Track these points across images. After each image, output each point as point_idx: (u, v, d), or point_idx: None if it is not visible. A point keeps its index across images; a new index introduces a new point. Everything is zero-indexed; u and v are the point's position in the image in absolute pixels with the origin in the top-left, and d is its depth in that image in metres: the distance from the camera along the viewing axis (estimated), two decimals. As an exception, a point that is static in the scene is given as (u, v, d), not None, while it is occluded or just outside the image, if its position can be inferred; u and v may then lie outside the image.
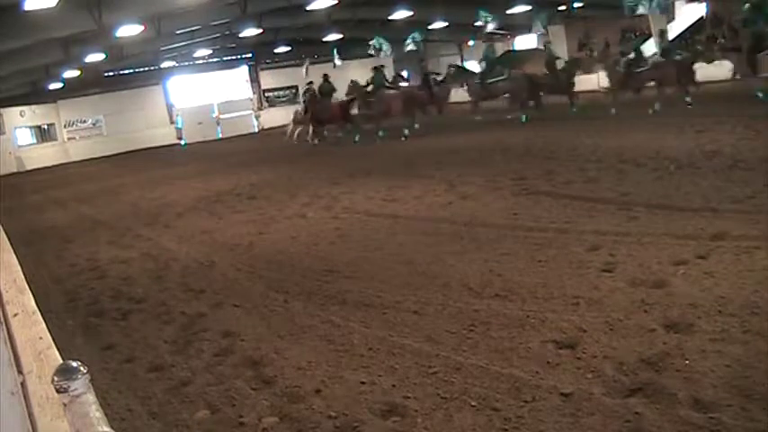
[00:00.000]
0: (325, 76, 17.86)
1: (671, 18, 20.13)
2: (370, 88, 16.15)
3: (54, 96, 26.19)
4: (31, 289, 2.91)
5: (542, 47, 18.71)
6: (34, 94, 25.28)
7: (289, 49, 27.92)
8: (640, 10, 16.37)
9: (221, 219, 8.46)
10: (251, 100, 29.36)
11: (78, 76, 22.85)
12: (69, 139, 27.41)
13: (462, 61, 27.10)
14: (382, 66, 17.37)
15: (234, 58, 29.63)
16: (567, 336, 3.40)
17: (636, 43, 15.17)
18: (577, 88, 15.61)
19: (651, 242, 4.72)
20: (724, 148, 7.84)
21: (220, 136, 27.29)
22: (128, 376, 3.76)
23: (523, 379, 3.02)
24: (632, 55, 14.23)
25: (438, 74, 18.54)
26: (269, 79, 30.59)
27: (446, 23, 24.10)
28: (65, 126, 27.29)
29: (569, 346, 3.29)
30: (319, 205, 8.28)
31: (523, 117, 14.88)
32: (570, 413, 2.69)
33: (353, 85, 16.49)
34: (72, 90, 25.86)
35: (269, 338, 4.02)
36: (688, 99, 12.81)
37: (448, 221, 6.39)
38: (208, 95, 28.04)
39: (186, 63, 28.59)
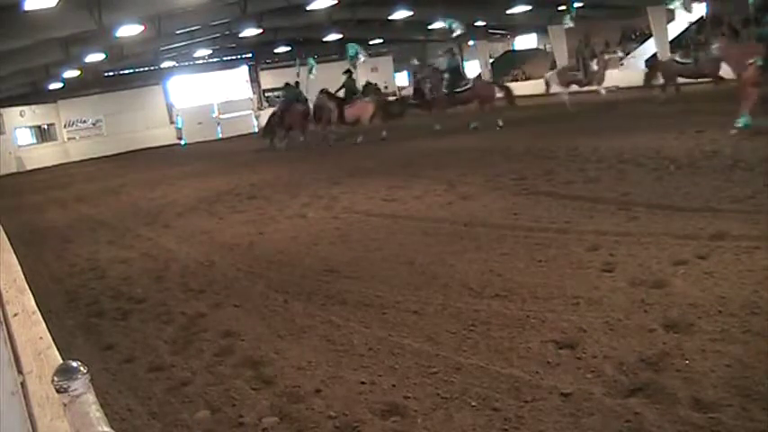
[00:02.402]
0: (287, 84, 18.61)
1: (671, 18, 20.13)
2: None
3: (54, 96, 26.19)
4: (31, 289, 2.92)
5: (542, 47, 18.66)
6: (34, 94, 25.28)
7: (289, 49, 27.92)
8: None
9: (221, 219, 8.46)
10: (251, 100, 29.36)
11: (78, 76, 22.84)
12: (69, 139, 27.42)
13: (462, 61, 27.03)
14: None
15: (234, 58, 29.64)
16: (567, 336, 3.40)
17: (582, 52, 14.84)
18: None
19: (651, 242, 4.71)
20: (724, 148, 7.83)
21: (220, 136, 27.28)
22: (128, 376, 3.76)
23: (523, 379, 3.02)
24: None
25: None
26: (269, 79, 30.58)
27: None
28: (65, 126, 27.30)
29: (569, 346, 3.29)
30: (319, 205, 8.28)
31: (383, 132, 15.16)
32: (570, 413, 2.69)
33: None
34: (72, 90, 25.87)
35: (269, 338, 4.02)
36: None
37: (448, 221, 6.39)
38: (208, 95, 28.04)
39: (186, 63, 28.59)
